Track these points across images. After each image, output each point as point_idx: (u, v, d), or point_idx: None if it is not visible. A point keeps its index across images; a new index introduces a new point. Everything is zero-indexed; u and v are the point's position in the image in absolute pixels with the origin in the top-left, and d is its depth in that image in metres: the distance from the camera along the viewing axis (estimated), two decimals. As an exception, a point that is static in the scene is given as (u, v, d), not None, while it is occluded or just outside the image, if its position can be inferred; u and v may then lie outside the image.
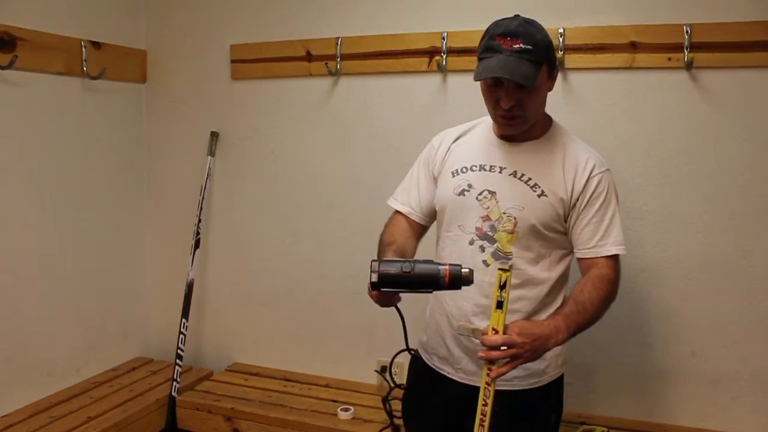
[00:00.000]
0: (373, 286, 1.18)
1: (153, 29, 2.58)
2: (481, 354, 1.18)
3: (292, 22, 2.34)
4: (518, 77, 1.26)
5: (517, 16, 1.34)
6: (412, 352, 1.36)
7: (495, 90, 1.32)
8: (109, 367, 2.49)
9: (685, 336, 1.97)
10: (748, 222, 1.88)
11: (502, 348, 1.16)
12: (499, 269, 1.15)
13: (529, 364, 1.32)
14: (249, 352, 2.58)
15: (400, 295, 1.27)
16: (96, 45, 2.32)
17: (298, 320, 2.48)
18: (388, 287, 1.18)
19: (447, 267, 1.17)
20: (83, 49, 2.25)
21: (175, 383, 2.29)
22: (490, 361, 1.18)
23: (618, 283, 1.37)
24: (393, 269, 1.17)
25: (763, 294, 1.89)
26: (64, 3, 2.23)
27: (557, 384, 1.46)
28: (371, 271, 1.18)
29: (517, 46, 1.27)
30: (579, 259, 1.40)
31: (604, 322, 1.97)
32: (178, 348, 2.34)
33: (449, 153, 1.49)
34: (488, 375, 1.18)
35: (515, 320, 1.23)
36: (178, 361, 2.33)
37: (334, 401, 2.22)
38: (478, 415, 1.21)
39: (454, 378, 1.45)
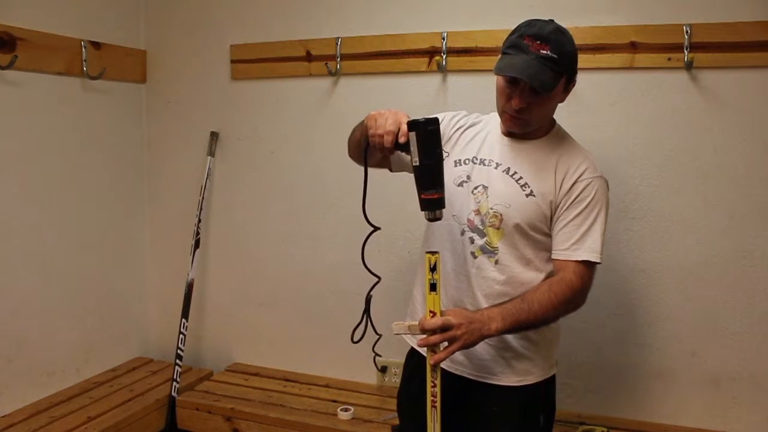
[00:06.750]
0: (410, 122, 1.22)
1: (153, 29, 2.58)
2: (420, 342, 1.23)
3: (292, 22, 2.34)
4: (537, 83, 1.26)
5: (551, 21, 1.33)
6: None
7: (510, 87, 1.32)
8: (109, 367, 2.48)
9: (685, 336, 1.97)
10: (748, 222, 1.88)
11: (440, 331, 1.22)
12: (427, 252, 1.21)
13: (514, 363, 1.39)
14: (249, 352, 2.58)
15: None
16: (96, 45, 2.32)
17: (298, 320, 2.48)
18: (415, 130, 1.20)
19: (437, 192, 1.22)
20: (83, 49, 2.25)
21: (175, 383, 2.29)
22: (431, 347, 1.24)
23: (583, 292, 1.33)
24: (437, 138, 1.22)
25: (763, 294, 1.89)
26: (64, 3, 2.23)
27: (546, 384, 1.45)
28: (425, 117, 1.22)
29: (544, 52, 1.27)
30: (553, 261, 1.38)
31: (604, 322, 2.02)
32: (177, 348, 2.34)
33: (460, 134, 1.48)
34: (431, 359, 1.25)
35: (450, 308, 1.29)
36: (177, 361, 2.33)
37: (334, 401, 2.22)
38: (429, 397, 1.26)
39: (442, 367, 1.45)
